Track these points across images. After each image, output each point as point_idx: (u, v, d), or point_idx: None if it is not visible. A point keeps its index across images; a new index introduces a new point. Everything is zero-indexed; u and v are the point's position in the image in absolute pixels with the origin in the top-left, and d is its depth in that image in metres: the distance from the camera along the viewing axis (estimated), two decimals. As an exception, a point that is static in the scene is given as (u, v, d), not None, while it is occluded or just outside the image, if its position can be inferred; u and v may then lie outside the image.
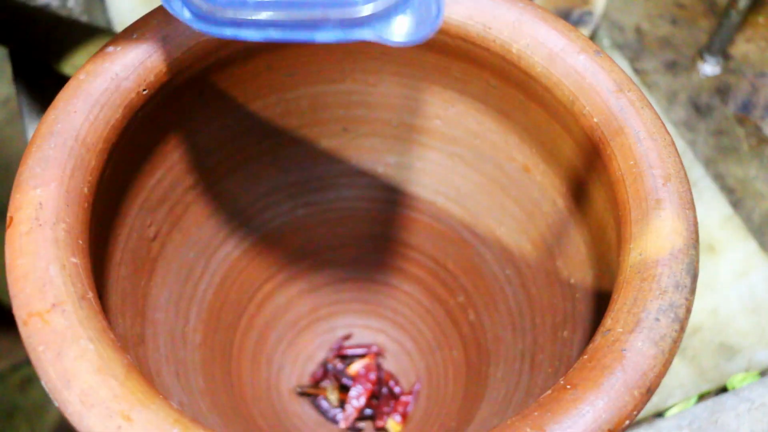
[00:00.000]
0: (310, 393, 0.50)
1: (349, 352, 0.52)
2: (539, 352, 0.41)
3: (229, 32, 0.27)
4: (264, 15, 0.26)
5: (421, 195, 0.47)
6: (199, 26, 0.27)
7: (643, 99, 0.33)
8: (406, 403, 0.49)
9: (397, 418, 0.49)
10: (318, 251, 0.50)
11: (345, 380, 0.50)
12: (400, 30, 0.26)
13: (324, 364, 0.51)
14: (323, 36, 0.26)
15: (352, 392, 0.49)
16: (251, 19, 0.27)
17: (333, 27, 0.26)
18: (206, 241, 0.44)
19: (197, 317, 0.44)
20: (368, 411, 0.50)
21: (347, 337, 0.52)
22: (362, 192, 0.47)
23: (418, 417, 0.49)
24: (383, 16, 0.26)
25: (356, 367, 0.51)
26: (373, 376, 0.50)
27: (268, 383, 0.49)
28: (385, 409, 0.49)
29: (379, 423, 0.49)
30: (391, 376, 0.51)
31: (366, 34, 0.26)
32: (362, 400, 0.49)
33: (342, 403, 0.50)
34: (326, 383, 0.50)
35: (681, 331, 0.28)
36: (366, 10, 0.26)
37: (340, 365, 0.51)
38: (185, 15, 0.27)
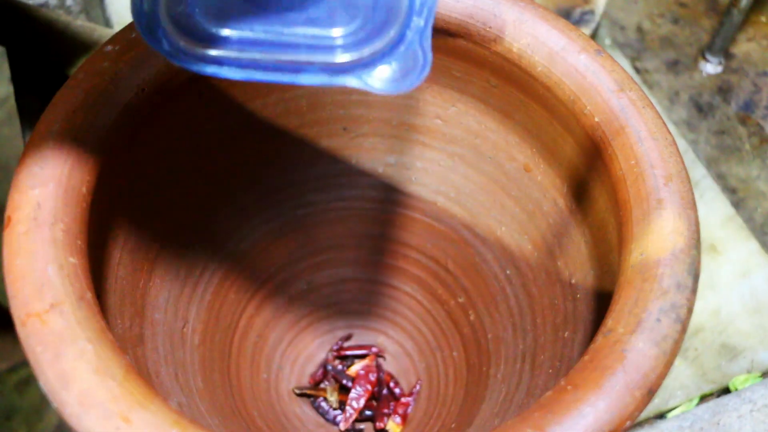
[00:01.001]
0: (310, 394, 0.50)
1: (349, 352, 0.51)
2: (540, 352, 0.41)
3: (210, 70, 0.26)
4: (247, 55, 0.26)
5: (421, 195, 0.47)
6: (178, 61, 0.26)
7: (645, 98, 0.33)
8: (407, 404, 0.49)
9: (397, 419, 0.48)
10: (318, 251, 0.50)
11: (345, 381, 0.50)
12: (384, 78, 0.25)
13: (324, 365, 0.51)
14: (307, 79, 0.25)
15: (352, 393, 0.49)
16: (233, 58, 0.26)
17: (317, 71, 0.25)
18: (205, 240, 0.44)
19: (196, 317, 0.43)
20: (368, 412, 0.50)
21: (347, 338, 0.52)
22: (362, 192, 0.47)
23: (418, 418, 0.49)
24: (368, 63, 0.25)
25: (356, 368, 0.51)
26: (373, 377, 0.50)
27: (267, 384, 0.49)
28: (385, 410, 0.49)
29: (379, 424, 0.49)
30: (391, 377, 0.51)
31: (350, 81, 0.25)
32: (362, 402, 0.49)
33: (342, 405, 0.50)
34: (326, 384, 0.50)
35: (682, 332, 0.28)
36: (350, 57, 0.25)
37: (339, 366, 0.51)
38: (164, 47, 0.26)
